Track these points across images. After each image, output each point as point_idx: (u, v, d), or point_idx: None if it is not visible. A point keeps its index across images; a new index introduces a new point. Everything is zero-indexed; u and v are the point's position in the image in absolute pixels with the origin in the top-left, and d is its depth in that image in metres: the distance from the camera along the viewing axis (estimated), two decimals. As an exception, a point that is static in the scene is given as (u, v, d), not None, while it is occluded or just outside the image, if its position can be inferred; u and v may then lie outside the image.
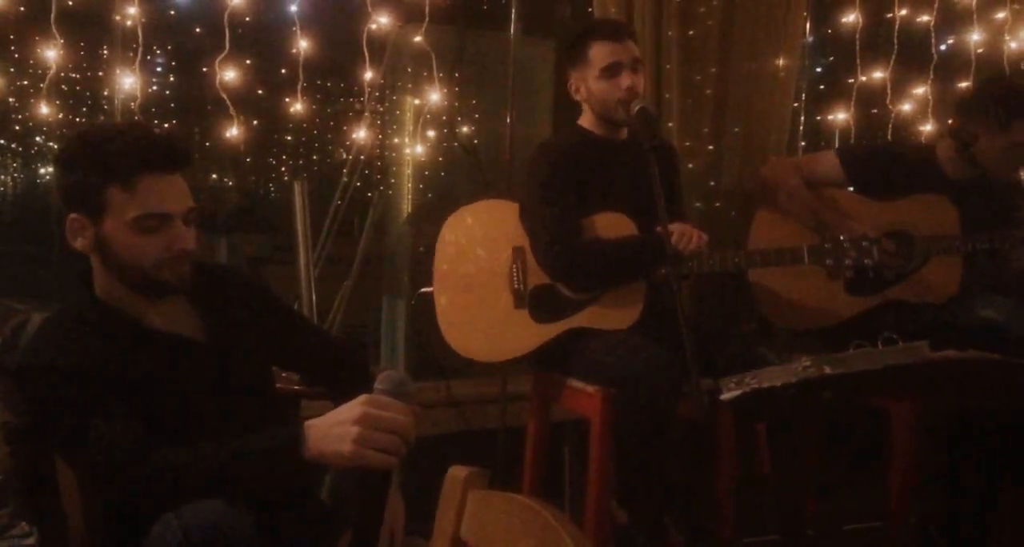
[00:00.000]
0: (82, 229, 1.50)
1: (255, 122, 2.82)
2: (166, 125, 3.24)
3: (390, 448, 1.28)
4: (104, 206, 1.47)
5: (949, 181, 2.63)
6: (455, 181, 3.48)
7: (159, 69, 3.26)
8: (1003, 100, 2.52)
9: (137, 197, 1.46)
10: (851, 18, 3.38)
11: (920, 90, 3.46)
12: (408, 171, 3.43)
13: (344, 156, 3.00)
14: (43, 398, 1.45)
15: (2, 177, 3.77)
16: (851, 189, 2.73)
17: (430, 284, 2.46)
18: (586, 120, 2.48)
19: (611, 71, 2.35)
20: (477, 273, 2.41)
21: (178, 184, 1.51)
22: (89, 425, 1.38)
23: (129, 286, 1.53)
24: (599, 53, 2.36)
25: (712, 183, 3.21)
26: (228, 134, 2.58)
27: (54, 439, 1.47)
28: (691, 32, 3.09)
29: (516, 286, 2.37)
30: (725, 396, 1.73)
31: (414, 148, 3.15)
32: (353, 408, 1.29)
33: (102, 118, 3.02)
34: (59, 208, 1.55)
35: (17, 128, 3.30)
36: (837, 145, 3.51)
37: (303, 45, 2.66)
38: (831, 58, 3.91)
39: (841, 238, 2.31)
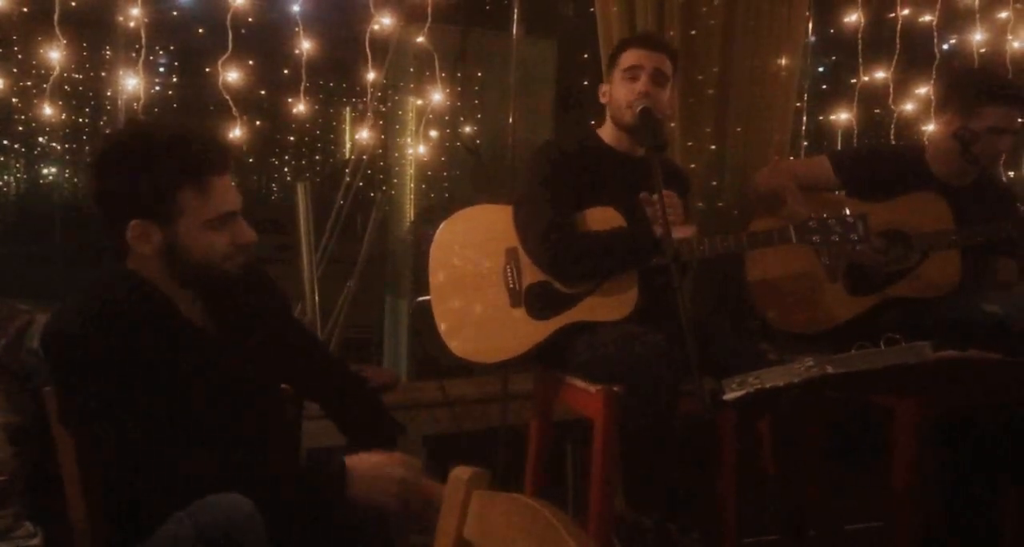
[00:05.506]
0: (147, 235, 1.48)
1: (258, 122, 2.82)
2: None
3: (417, 508, 1.47)
4: (177, 209, 1.47)
5: (938, 181, 2.65)
6: (458, 181, 3.48)
7: (162, 70, 3.26)
8: (975, 85, 2.56)
9: (212, 198, 1.49)
10: (853, 18, 3.38)
11: (923, 90, 3.46)
12: (411, 171, 3.43)
13: (347, 156, 3.00)
14: (68, 366, 1.43)
15: (6, 177, 3.77)
16: (844, 192, 2.74)
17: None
18: (605, 129, 2.50)
19: (631, 73, 2.39)
20: (472, 276, 2.41)
21: (232, 182, 1.55)
22: (110, 406, 1.38)
23: (185, 281, 1.53)
24: (627, 57, 2.42)
25: (714, 183, 3.21)
26: (231, 135, 2.58)
27: (71, 411, 1.47)
28: (693, 31, 3.08)
29: (511, 286, 2.37)
30: (728, 396, 1.73)
31: (417, 148, 3.15)
32: (396, 468, 1.48)
33: (105, 119, 3.03)
34: (104, 213, 1.49)
35: (20, 129, 3.31)
36: (839, 145, 3.51)
37: (306, 46, 2.67)
38: (833, 58, 3.92)
39: (825, 215, 2.30)
